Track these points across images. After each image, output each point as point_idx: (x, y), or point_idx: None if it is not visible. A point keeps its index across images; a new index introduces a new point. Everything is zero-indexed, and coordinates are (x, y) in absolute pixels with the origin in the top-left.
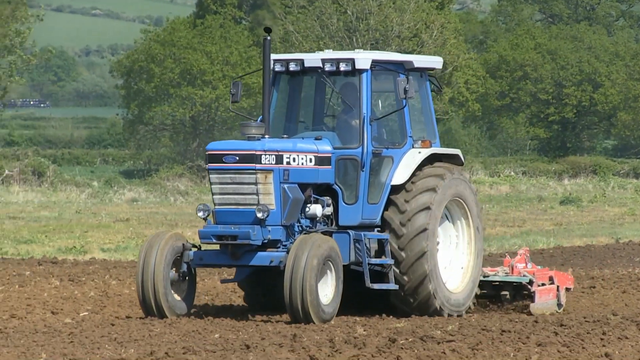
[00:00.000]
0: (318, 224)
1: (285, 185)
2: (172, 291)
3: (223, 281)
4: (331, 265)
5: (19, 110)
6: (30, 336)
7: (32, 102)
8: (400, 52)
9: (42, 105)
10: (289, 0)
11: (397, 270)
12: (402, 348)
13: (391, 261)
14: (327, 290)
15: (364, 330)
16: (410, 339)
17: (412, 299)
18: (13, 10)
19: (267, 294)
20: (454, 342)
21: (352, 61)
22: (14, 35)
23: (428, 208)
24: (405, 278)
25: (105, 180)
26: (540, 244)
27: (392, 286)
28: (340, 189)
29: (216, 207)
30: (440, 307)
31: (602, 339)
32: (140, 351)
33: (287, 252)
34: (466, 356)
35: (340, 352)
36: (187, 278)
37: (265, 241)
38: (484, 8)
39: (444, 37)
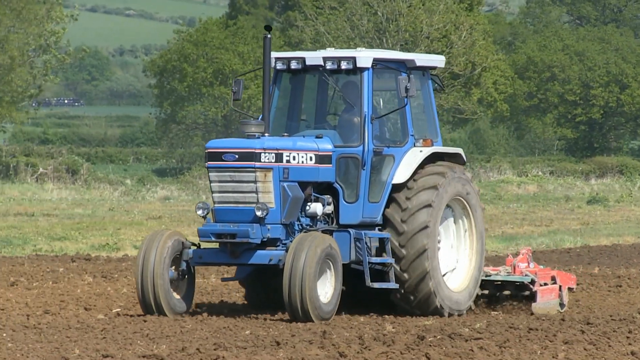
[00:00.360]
0: (318, 222)
1: (285, 184)
2: (172, 290)
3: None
4: (330, 263)
5: (53, 109)
6: (64, 332)
7: (66, 101)
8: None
9: (76, 104)
10: (320, 2)
11: (398, 268)
12: (430, 345)
13: (391, 260)
14: (326, 289)
15: (393, 328)
16: (438, 337)
17: (412, 297)
18: (48, 10)
19: (268, 292)
20: (482, 340)
21: (353, 59)
22: (49, 34)
23: (429, 205)
24: (406, 275)
25: (138, 178)
26: (568, 243)
27: (392, 285)
28: (341, 187)
29: (215, 205)
30: (440, 305)
31: (628, 337)
32: (172, 347)
33: (287, 251)
34: (494, 354)
35: (369, 349)
36: (186, 276)
37: (265, 239)
38: (512, 10)
39: (472, 38)
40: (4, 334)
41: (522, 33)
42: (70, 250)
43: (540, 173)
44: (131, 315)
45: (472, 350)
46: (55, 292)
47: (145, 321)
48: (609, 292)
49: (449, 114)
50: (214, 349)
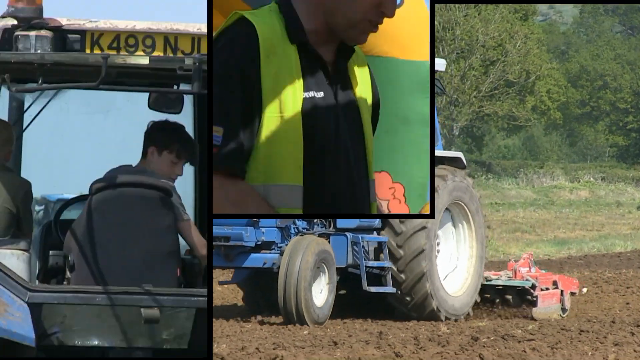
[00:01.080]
0: (315, 225)
1: None
2: None
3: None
4: (325, 267)
5: None
6: None
7: None
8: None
9: None
10: None
11: (395, 269)
12: (484, 346)
13: (389, 264)
14: (321, 293)
15: (448, 329)
16: (492, 338)
17: (408, 298)
18: None
19: (266, 294)
20: (534, 341)
21: None
22: None
23: None
24: (403, 276)
25: None
26: (618, 247)
27: (389, 289)
28: None
29: None
30: (437, 308)
31: None
32: (232, 346)
33: (281, 254)
34: (546, 355)
35: (424, 350)
36: None
37: (259, 243)
38: (565, 20)
39: (527, 47)
40: None
41: (575, 42)
42: None
43: (592, 179)
44: None
45: (525, 351)
46: None
47: None
48: None
49: (503, 121)
50: (273, 349)
